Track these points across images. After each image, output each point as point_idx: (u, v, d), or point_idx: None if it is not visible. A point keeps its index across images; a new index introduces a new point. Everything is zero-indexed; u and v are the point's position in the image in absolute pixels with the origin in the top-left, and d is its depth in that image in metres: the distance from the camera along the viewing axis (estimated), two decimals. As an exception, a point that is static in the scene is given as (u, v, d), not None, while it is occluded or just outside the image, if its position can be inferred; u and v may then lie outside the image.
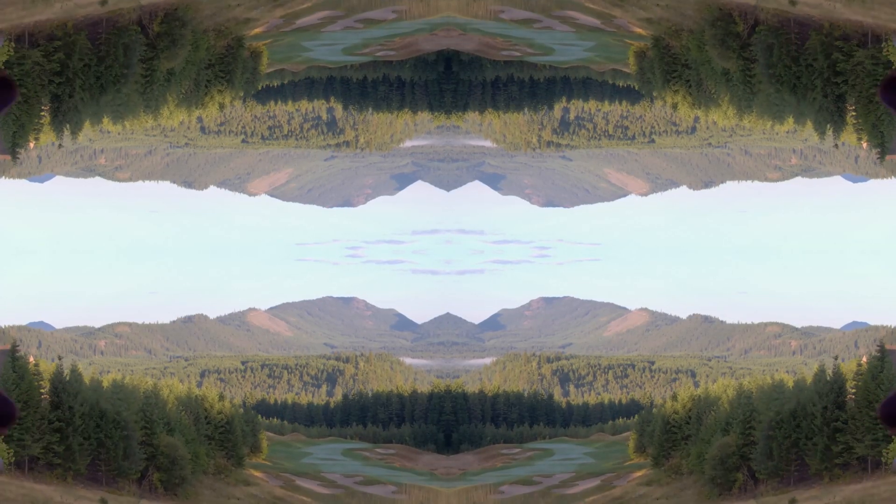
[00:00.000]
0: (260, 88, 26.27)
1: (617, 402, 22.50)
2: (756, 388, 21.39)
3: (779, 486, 16.14)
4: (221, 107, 22.10)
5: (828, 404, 18.29)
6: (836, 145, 20.13)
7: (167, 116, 21.14)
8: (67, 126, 19.14)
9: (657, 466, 17.72)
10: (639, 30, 22.55)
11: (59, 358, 24.77)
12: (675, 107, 22.64)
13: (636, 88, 26.19)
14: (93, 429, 17.47)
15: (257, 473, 17.66)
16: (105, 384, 21.69)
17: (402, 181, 40.29)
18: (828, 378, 20.55)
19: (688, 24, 21.45)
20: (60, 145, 19.66)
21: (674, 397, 21.39)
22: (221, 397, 21.57)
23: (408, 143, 33.45)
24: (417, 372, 25.07)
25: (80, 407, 18.50)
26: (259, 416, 21.10)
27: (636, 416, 21.03)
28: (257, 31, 21.97)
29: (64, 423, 17.53)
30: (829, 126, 19.86)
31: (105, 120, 20.05)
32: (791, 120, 20.72)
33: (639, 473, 17.76)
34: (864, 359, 23.85)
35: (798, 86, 20.00)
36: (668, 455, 18.14)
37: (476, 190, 38.58)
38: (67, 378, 21.36)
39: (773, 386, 21.37)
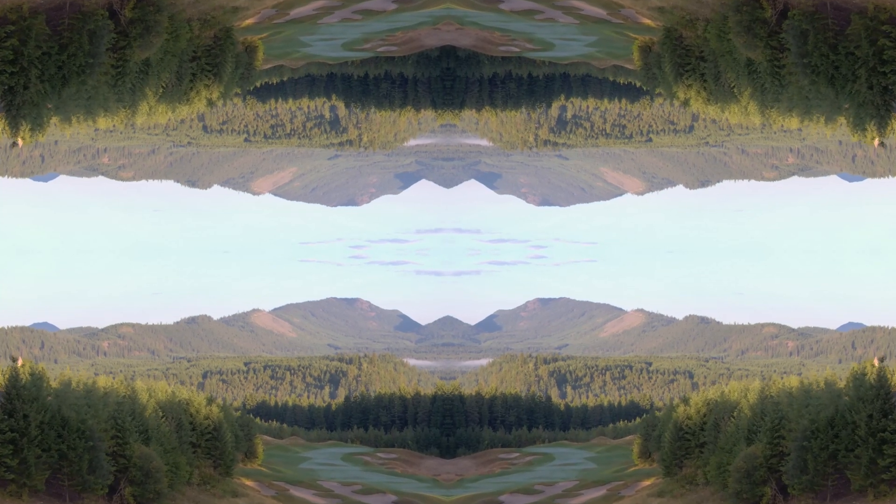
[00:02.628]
0: (259, 85, 24.21)
1: (616, 404, 20.93)
2: (778, 391, 19.11)
3: (813, 502, 13.90)
4: (210, 103, 19.48)
5: (873, 412, 15.81)
6: (883, 143, 17.53)
7: (147, 112, 18.47)
8: (24, 122, 16.29)
9: (669, 475, 15.69)
10: (647, 21, 19.98)
11: (13, 360, 22.65)
12: (686, 103, 19.96)
13: (638, 85, 24.11)
14: (53, 439, 14.99)
15: (249, 482, 15.68)
16: (74, 387, 19.33)
17: (406, 180, 39.27)
18: (871, 383, 18.15)
19: (704, 13, 18.78)
20: (14, 144, 16.99)
21: (685, 401, 19.31)
22: (210, 401, 19.41)
23: (411, 142, 32.01)
24: (421, 373, 23.80)
25: (37, 415, 16.02)
26: (258, 420, 19.34)
27: (637, 419, 19.48)
28: (249, 22, 19.50)
29: (18, 433, 15.07)
30: (871, 122, 16.99)
31: (75, 116, 17.26)
32: (822, 117, 17.92)
33: (647, 482, 15.81)
34: (875, 360, 22.10)
35: (836, 77, 16.87)
36: (681, 463, 16.07)
37: (472, 189, 37.40)
38: (24, 383, 18.87)
39: (803, 390, 19.02)
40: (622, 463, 17.10)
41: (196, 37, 18.30)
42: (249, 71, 20.43)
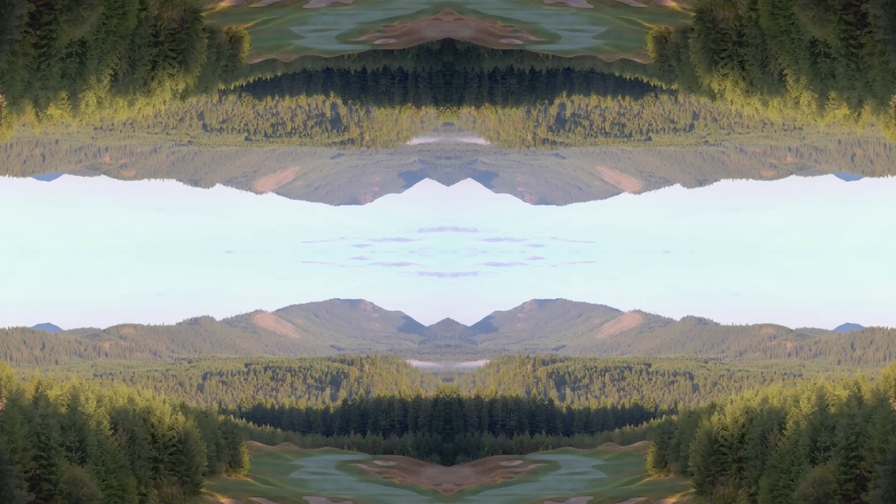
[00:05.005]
0: (252, 81, 21.56)
1: (620, 406, 18.66)
2: (834, 400, 16.07)
3: (908, 537, 11.01)
4: (179, 96, 16.47)
5: None
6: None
7: (96, 104, 15.28)
8: None
9: (701, 494, 13.02)
10: (672, 3, 16.82)
11: None
12: (715, 96, 16.73)
13: (645, 81, 21.43)
14: (-58, 463, 11.95)
15: (224, 499, 13.14)
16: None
17: (409, 179, 37.37)
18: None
19: (748, -11, 15.53)
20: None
21: (715, 408, 16.59)
22: (177, 408, 16.63)
23: (414, 141, 29.86)
24: (424, 375, 21.95)
25: (-76, 434, 12.84)
26: (251, 424, 16.92)
27: (644, 424, 17.31)
28: (224, 4, 16.48)
29: None
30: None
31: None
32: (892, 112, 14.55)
33: (672, 500, 13.30)
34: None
35: (940, 56, 13.34)
36: (714, 480, 13.41)
37: (469, 188, 35.51)
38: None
39: (880, 399, 15.89)
40: (634, 472, 14.80)
41: (156, 17, 15.18)
42: (234, 63, 17.53)
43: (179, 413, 16.00)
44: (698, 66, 16.55)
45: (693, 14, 16.56)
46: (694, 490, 13.14)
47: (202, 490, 12.98)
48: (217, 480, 13.80)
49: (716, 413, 16.03)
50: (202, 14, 15.74)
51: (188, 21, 15.48)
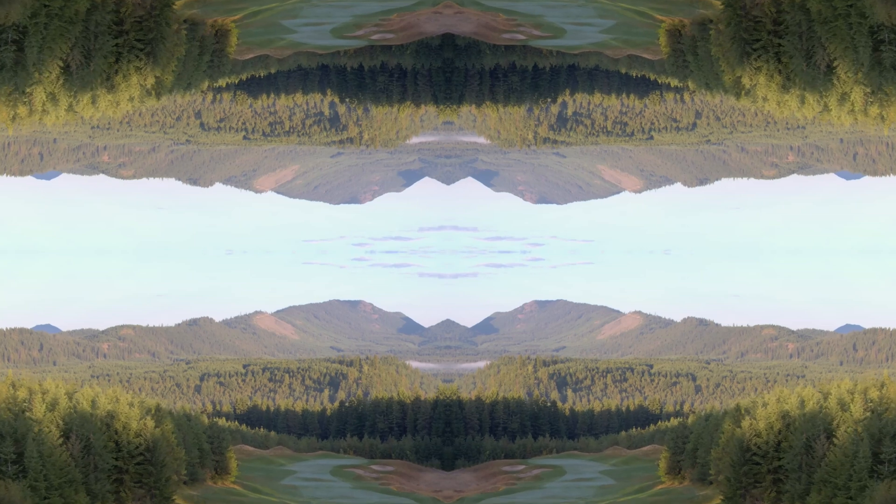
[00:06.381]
0: (245, 78, 20.35)
1: (625, 409, 17.70)
2: (887, 404, 14.47)
3: None
4: (156, 92, 14.90)
5: None
6: None
7: (44, 101, 13.50)
8: None
9: None
10: None
11: None
12: (741, 93, 15.15)
13: (652, 78, 20.23)
14: None
15: (196, 512, 12.01)
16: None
17: (409, 177, 36.54)
18: None
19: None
20: None
21: (741, 411, 15.25)
22: (154, 411, 15.28)
23: (414, 140, 28.94)
24: (424, 376, 21.03)
25: None
26: (244, 427, 15.86)
27: (651, 427, 16.36)
28: None
29: None
30: None
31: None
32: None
33: (694, 512, 12.15)
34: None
35: None
36: (745, 493, 12.18)
37: (469, 187, 34.69)
38: None
39: None
40: (645, 479, 13.77)
41: (116, 2, 13.51)
42: (220, 59, 16.11)
43: (148, 417, 14.58)
44: (724, 59, 14.79)
45: (719, 1, 14.94)
46: (720, 502, 11.96)
47: (177, 501, 11.83)
48: (200, 488, 12.71)
49: (747, 417, 14.66)
50: (174, 1, 14.01)
51: (157, 7, 13.65)
